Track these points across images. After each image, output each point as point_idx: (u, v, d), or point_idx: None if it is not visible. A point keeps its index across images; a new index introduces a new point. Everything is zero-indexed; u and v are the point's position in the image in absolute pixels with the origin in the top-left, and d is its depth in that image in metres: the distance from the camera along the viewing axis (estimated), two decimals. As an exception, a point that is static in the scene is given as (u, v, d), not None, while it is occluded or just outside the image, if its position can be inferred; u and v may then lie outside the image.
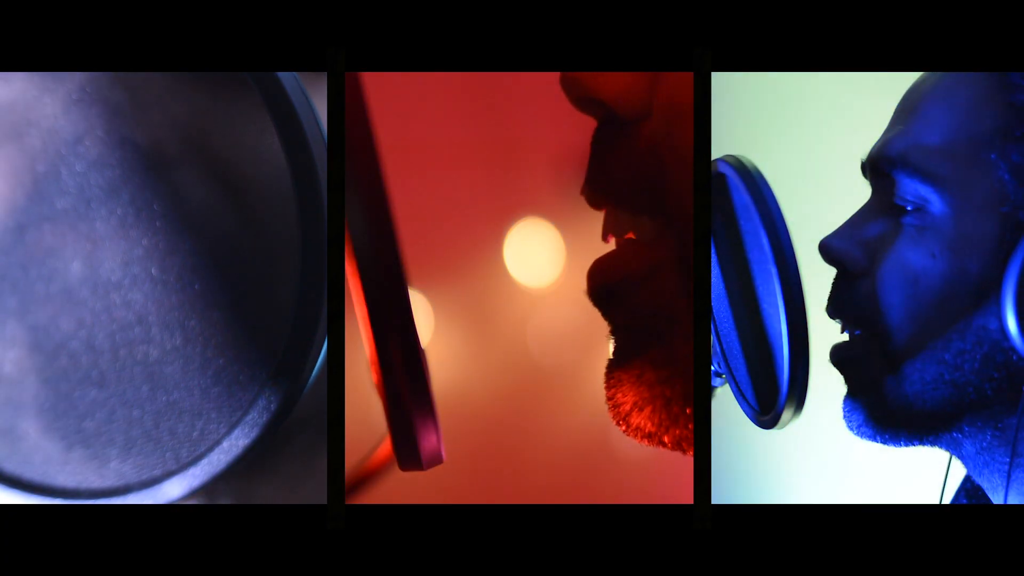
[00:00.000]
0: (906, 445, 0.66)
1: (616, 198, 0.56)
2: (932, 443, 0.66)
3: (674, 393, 0.54)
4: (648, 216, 0.55)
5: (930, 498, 0.75)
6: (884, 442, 0.66)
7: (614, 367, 0.56)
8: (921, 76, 0.68)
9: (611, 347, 0.56)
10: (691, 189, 0.53)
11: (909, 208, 0.63)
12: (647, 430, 0.55)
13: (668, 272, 0.54)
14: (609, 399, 0.56)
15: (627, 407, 0.55)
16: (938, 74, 0.67)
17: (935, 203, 0.63)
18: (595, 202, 0.57)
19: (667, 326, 0.54)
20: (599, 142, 0.57)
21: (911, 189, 0.63)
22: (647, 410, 0.54)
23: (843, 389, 0.67)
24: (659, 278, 0.54)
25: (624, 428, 0.56)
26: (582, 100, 0.56)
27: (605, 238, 0.57)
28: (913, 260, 0.63)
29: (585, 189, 0.57)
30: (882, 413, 0.64)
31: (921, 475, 0.74)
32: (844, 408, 0.67)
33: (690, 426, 0.54)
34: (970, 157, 0.62)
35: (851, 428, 0.66)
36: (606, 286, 0.56)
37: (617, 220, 0.56)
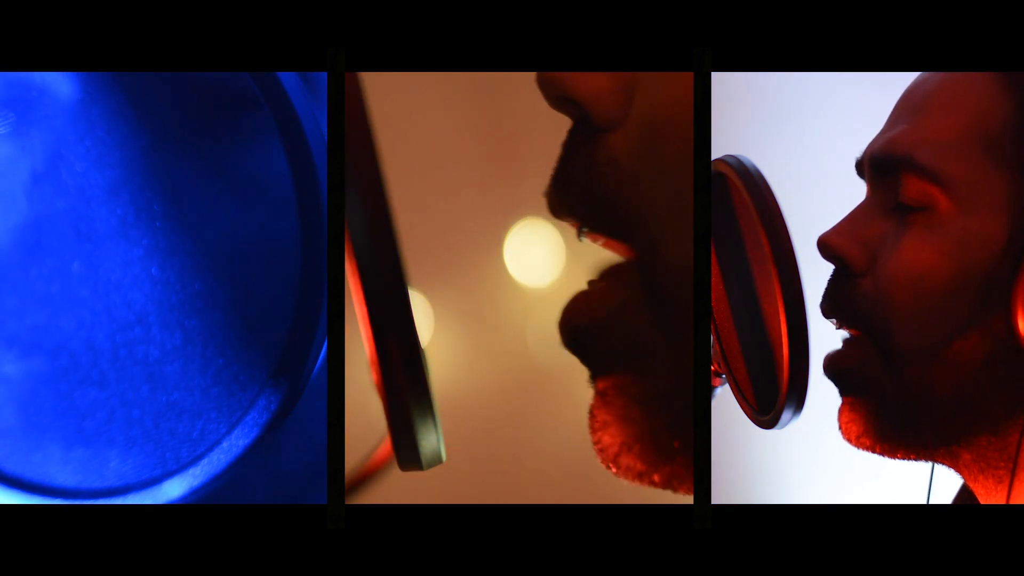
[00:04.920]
0: (902, 459, 0.65)
1: (572, 209, 0.55)
2: (928, 458, 0.66)
3: (660, 424, 0.53)
4: (606, 235, 0.55)
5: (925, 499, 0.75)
6: (882, 453, 0.65)
7: (597, 409, 0.55)
8: (921, 75, 0.68)
9: (592, 391, 0.56)
10: (669, 209, 0.52)
11: (914, 207, 0.63)
12: (638, 469, 0.54)
13: (635, 307, 0.53)
14: (596, 443, 0.55)
15: (615, 448, 0.54)
16: (938, 74, 0.66)
17: (943, 200, 0.62)
18: (554, 210, 0.56)
19: (645, 361, 0.53)
20: (568, 146, 0.56)
21: (918, 188, 0.63)
22: (636, 448, 0.54)
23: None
24: (627, 315, 0.54)
25: (614, 470, 0.55)
26: (559, 99, 0.55)
27: (580, 238, 0.57)
28: (919, 258, 0.62)
29: (547, 191, 0.56)
30: (884, 422, 0.64)
31: (921, 475, 0.74)
32: (841, 419, 0.66)
33: (679, 459, 0.53)
34: (979, 157, 0.62)
35: (848, 439, 0.66)
36: (576, 332, 0.55)
37: (581, 226, 0.56)
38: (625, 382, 0.54)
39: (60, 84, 0.68)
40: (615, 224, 0.53)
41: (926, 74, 0.68)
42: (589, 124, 0.54)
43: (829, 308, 0.66)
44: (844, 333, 0.66)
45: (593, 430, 0.55)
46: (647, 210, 0.52)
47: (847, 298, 0.64)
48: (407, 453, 0.54)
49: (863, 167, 0.68)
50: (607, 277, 0.55)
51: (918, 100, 0.66)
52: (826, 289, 0.66)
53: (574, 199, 0.55)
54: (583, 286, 0.56)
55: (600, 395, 0.55)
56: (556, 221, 0.57)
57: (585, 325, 0.55)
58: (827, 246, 0.65)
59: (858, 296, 0.64)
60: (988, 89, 0.63)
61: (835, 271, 0.66)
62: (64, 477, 0.68)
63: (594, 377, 0.55)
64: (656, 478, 0.54)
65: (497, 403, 1.57)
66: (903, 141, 0.64)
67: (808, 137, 1.34)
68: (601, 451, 0.55)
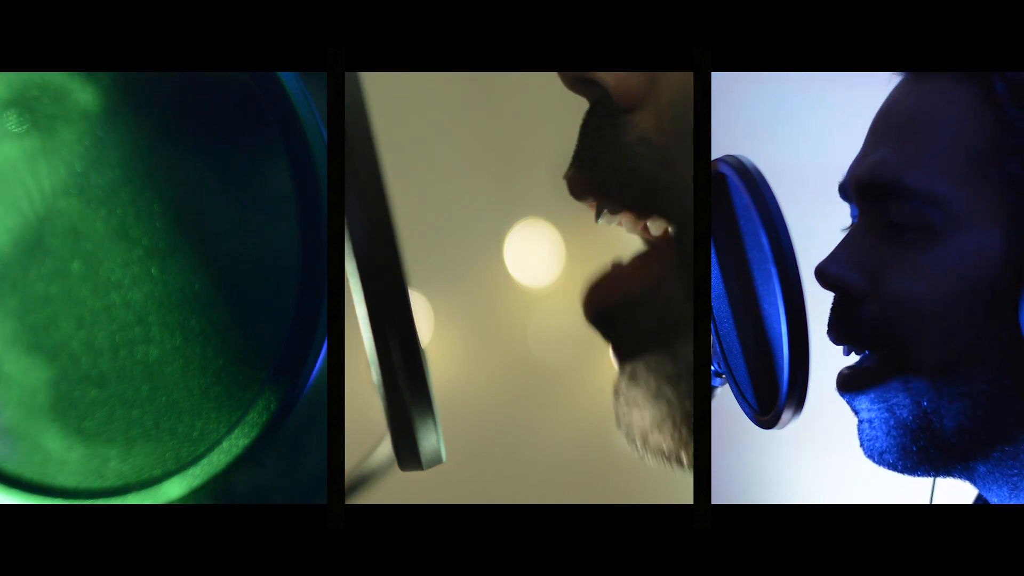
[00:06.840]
0: (921, 475, 0.65)
1: (600, 189, 0.55)
2: (946, 473, 0.66)
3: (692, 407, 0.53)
4: (635, 213, 0.55)
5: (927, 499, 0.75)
6: (903, 471, 0.65)
7: (626, 387, 0.55)
8: (894, 93, 0.68)
9: (618, 368, 0.55)
10: (690, 188, 0.53)
11: (909, 227, 0.63)
12: (665, 450, 0.54)
13: (672, 283, 0.53)
14: (620, 420, 0.55)
15: (644, 428, 0.54)
16: (914, 93, 0.66)
17: (937, 220, 0.62)
18: (577, 190, 0.56)
19: (676, 337, 0.53)
20: (589, 126, 0.56)
21: (910, 209, 0.63)
22: (667, 428, 0.54)
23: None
24: (663, 290, 0.54)
25: (642, 448, 0.55)
26: (578, 80, 0.55)
27: (597, 219, 0.57)
28: (920, 277, 0.62)
29: (569, 173, 0.56)
30: (907, 440, 0.64)
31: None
32: (862, 435, 0.66)
33: None
34: (967, 172, 0.62)
35: (871, 456, 0.65)
36: (606, 310, 0.55)
37: (603, 207, 0.56)
38: (660, 361, 0.54)
39: (64, 84, 0.68)
40: (652, 202, 0.53)
41: (900, 93, 0.67)
42: (609, 105, 0.54)
43: (840, 336, 0.65)
44: (854, 356, 0.66)
45: (620, 406, 0.55)
46: (682, 186, 0.53)
47: (855, 324, 0.64)
48: (407, 453, 0.54)
49: (847, 191, 0.67)
50: (641, 257, 0.55)
51: (898, 120, 0.66)
52: (831, 318, 0.66)
53: (602, 179, 0.55)
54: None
55: (628, 375, 0.55)
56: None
57: (616, 302, 0.55)
58: (825, 275, 0.65)
59: (865, 321, 0.64)
60: (968, 104, 0.63)
61: (836, 299, 0.65)
62: (64, 477, 0.68)
63: (621, 356, 0.55)
64: (684, 458, 0.54)
65: (497, 403, 1.57)
66: (889, 164, 0.64)
67: (808, 137, 1.34)
68: (628, 430, 0.55)
